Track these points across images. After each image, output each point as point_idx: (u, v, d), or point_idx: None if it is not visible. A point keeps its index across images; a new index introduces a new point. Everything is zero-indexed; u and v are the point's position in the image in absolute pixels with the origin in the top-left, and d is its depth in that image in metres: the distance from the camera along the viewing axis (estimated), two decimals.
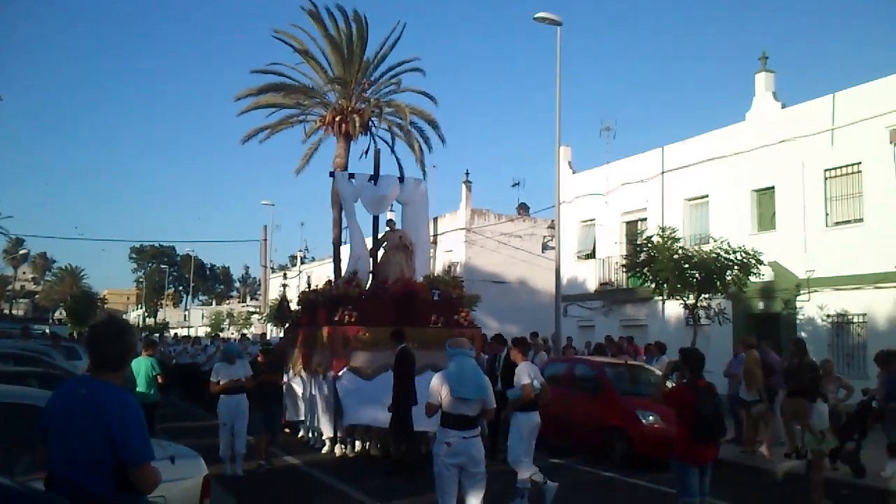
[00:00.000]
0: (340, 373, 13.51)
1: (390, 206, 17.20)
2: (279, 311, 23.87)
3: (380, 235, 16.66)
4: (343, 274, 16.56)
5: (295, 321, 17.79)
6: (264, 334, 36.41)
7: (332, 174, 20.74)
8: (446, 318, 14.88)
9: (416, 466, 11.53)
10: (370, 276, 16.28)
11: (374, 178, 16.80)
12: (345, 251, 27.04)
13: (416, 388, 11.73)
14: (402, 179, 17.13)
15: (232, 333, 56.94)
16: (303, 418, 15.47)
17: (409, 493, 10.44)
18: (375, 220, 17.15)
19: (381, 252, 16.31)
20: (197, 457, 6.58)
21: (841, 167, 20.36)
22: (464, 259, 34.74)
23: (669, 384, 9.22)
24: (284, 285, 43.67)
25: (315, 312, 16.10)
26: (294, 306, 19.74)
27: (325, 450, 14.07)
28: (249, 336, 33.79)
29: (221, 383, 11.66)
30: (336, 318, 14.30)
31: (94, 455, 3.69)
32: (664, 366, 16.68)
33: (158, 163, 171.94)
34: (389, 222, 16.60)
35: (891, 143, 18.44)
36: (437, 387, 7.35)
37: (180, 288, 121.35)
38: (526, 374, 9.83)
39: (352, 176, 17.13)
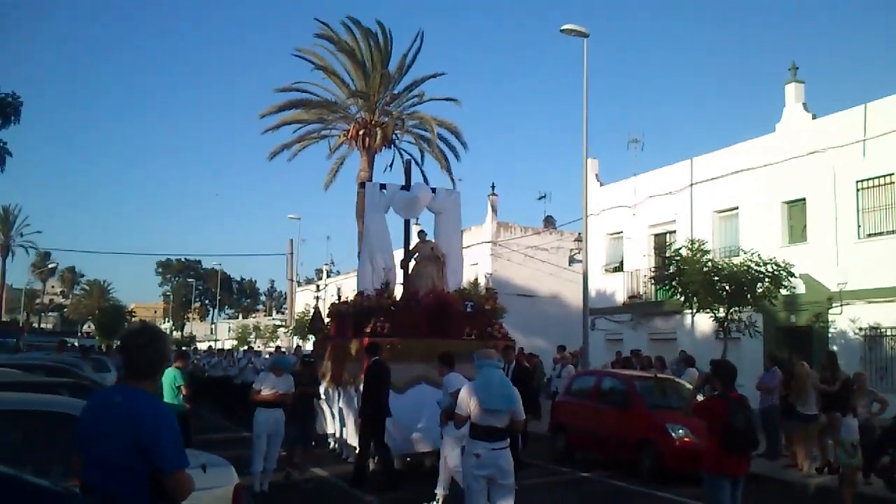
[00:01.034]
0: None
1: (422, 210, 16.88)
2: (313, 323, 23.83)
3: (411, 246, 16.56)
4: (360, 286, 16.31)
5: (325, 333, 17.71)
6: (299, 347, 36.47)
7: (362, 185, 20.56)
8: (480, 331, 14.70)
9: (388, 482, 11.72)
10: (401, 287, 16.19)
11: (406, 188, 16.58)
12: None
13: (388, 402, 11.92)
14: (434, 190, 17.03)
15: (258, 346, 57.17)
16: (332, 431, 15.44)
17: None
18: (407, 229, 16.87)
19: (412, 263, 16.24)
20: (228, 465, 6.59)
21: (873, 178, 20.11)
22: (490, 272, 34.69)
23: (700, 397, 9.12)
24: (318, 297, 43.65)
25: (345, 324, 16.01)
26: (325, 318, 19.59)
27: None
28: (283, 349, 33.77)
29: (264, 393, 11.40)
30: (368, 330, 14.10)
31: (127, 463, 3.68)
32: (693, 378, 16.58)
33: (185, 176, 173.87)
34: (421, 233, 16.38)
35: None
36: (465, 399, 7.33)
37: (206, 301, 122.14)
38: (456, 384, 9.78)
39: (383, 186, 16.83)
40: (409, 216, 16.86)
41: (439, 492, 10.25)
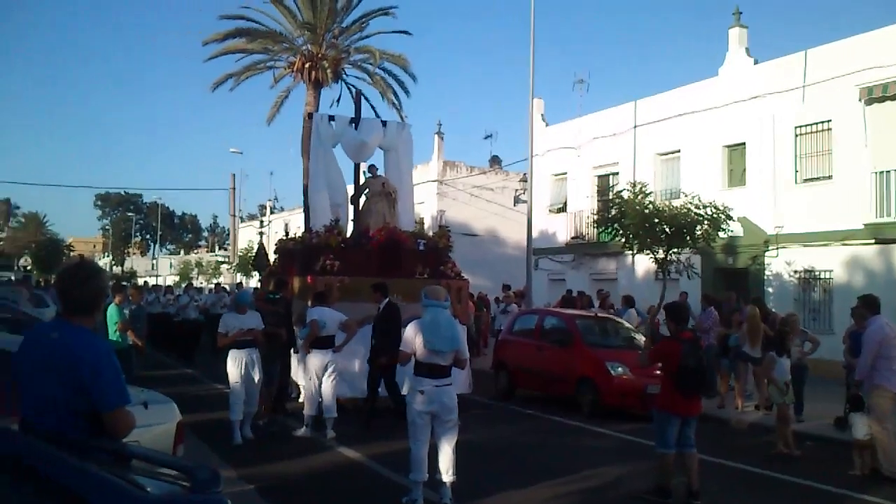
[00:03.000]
0: None
1: (372, 153, 16.34)
2: (258, 260, 23.35)
3: (361, 181, 16.12)
4: (310, 222, 15.86)
5: (271, 270, 17.36)
6: (241, 284, 35.98)
7: (310, 116, 20.00)
8: (432, 269, 14.54)
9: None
10: (351, 224, 15.86)
11: (356, 121, 16.10)
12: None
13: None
14: (384, 123, 16.58)
15: (201, 283, 56.58)
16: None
17: (381, 440, 10.48)
18: (357, 165, 16.46)
19: (362, 199, 15.91)
20: (170, 402, 6.56)
21: (811, 124, 20.46)
22: (436, 211, 34.65)
23: (640, 337, 9.30)
24: (262, 233, 43.05)
25: (292, 262, 15.64)
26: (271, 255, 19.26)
27: (301, 399, 13.79)
28: (227, 287, 33.17)
29: (230, 335, 10.52)
30: (317, 268, 13.82)
31: (66, 400, 3.61)
32: (632, 318, 16.91)
33: (126, 108, 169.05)
34: (371, 167, 15.95)
35: (860, 101, 18.53)
36: (411, 336, 7.37)
37: (147, 236, 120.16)
38: (316, 315, 10.96)
39: (332, 118, 16.28)
40: (358, 160, 16.33)
41: (307, 413, 10.77)
